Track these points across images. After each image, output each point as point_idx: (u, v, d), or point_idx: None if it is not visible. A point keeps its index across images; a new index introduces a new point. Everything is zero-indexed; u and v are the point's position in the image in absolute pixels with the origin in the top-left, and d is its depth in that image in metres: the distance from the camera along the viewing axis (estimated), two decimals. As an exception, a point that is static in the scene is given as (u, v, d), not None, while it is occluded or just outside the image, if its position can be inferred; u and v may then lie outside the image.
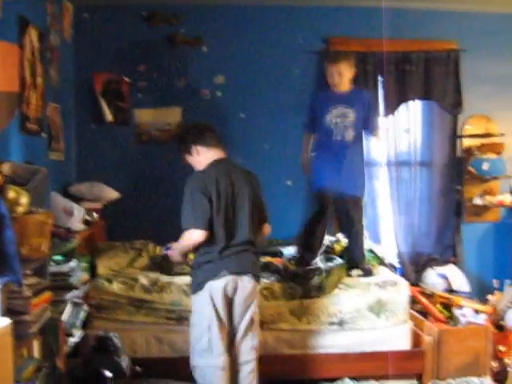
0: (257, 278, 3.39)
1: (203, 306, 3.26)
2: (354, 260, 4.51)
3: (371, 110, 4.53)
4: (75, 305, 3.58)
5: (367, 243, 4.85)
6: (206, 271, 3.27)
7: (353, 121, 4.39)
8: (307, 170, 4.73)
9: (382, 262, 4.86)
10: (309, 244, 4.52)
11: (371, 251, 4.87)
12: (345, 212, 4.53)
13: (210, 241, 3.24)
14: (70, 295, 3.36)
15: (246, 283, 3.29)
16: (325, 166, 4.49)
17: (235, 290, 3.28)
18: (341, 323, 4.03)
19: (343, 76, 4.40)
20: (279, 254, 4.80)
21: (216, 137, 3.50)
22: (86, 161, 5.19)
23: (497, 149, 5.43)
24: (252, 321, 3.37)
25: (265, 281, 4.19)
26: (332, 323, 4.03)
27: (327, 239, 4.89)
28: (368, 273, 4.42)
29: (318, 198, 4.61)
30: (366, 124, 4.48)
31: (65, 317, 3.33)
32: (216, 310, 3.25)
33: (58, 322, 3.15)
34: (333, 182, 4.40)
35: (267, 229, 3.52)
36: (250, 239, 3.33)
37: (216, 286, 3.23)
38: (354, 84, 4.57)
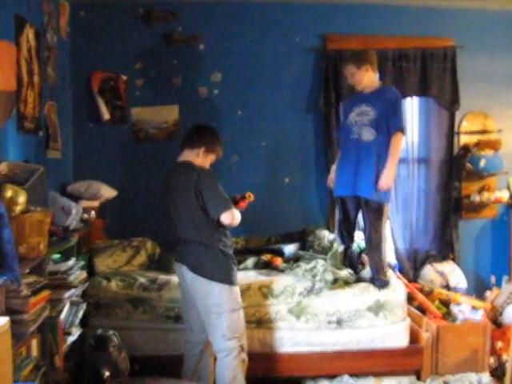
0: (199, 272, 3.45)
1: None
2: (370, 274, 4.25)
3: (394, 107, 4.11)
4: (74, 303, 3.59)
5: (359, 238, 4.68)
6: None
7: (372, 119, 4.11)
8: (330, 182, 4.48)
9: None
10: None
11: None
12: (363, 218, 4.30)
13: None
14: (68, 294, 3.36)
15: (184, 272, 3.54)
16: (343, 166, 4.28)
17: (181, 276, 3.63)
18: (339, 322, 4.03)
19: (354, 75, 4.19)
20: (280, 253, 4.81)
21: (185, 138, 3.69)
22: (84, 159, 5.17)
23: (494, 145, 5.43)
24: (205, 314, 3.50)
25: (263, 278, 4.21)
26: (330, 322, 4.03)
27: (327, 238, 4.91)
28: (382, 287, 4.13)
29: (339, 203, 4.43)
30: (390, 121, 4.09)
31: (63, 315, 3.34)
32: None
33: (57, 321, 3.16)
34: (348, 184, 4.20)
35: (225, 219, 3.43)
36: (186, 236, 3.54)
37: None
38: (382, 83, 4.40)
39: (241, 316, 3.54)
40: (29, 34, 3.79)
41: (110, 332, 3.72)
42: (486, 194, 5.43)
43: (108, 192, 4.72)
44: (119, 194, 4.84)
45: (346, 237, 4.43)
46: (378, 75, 4.33)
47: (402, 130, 4.12)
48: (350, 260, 4.41)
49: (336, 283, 4.11)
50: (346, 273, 4.26)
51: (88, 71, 5.17)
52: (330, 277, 4.12)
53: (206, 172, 3.51)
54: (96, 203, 4.64)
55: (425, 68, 5.37)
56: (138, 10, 5.20)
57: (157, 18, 5.20)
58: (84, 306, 3.74)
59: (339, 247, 4.41)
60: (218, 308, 3.44)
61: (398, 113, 4.13)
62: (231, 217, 3.43)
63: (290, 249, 4.85)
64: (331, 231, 5.08)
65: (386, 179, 4.05)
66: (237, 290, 3.54)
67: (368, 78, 4.22)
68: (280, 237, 5.19)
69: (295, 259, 4.69)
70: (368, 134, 4.12)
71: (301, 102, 5.39)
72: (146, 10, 5.20)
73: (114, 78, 5.21)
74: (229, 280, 3.47)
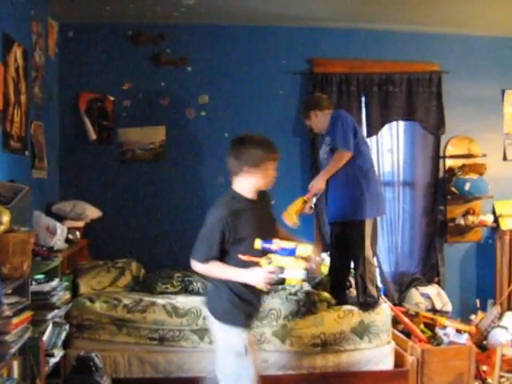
0: (206, 305, 3.14)
1: None
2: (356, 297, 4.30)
3: (332, 126, 4.20)
4: (56, 324, 3.54)
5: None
6: None
7: (328, 149, 4.27)
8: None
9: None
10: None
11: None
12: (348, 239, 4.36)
13: None
14: (51, 315, 3.32)
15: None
16: (328, 196, 4.41)
17: None
18: (324, 345, 4.02)
19: (314, 125, 4.44)
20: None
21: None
22: (70, 179, 5.16)
23: (479, 169, 5.48)
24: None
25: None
26: (315, 345, 4.02)
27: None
28: (369, 307, 4.13)
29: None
30: (333, 142, 4.20)
31: (46, 337, 3.30)
32: None
33: (39, 342, 3.11)
34: (330, 211, 4.40)
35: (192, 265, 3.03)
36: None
37: None
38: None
39: (242, 364, 3.00)
40: (17, 53, 3.79)
41: (93, 354, 3.68)
42: (470, 218, 5.47)
43: (93, 212, 4.71)
44: (105, 215, 4.82)
45: (337, 259, 4.44)
46: (330, 111, 4.34)
47: (343, 147, 4.14)
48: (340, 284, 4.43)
49: (322, 303, 4.10)
50: (328, 295, 4.24)
51: (75, 91, 5.18)
52: (315, 298, 4.11)
53: (216, 206, 3.02)
54: (81, 223, 4.62)
55: (410, 92, 5.43)
56: (126, 32, 5.23)
57: (145, 40, 5.23)
58: (67, 327, 3.70)
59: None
60: (216, 345, 3.14)
61: (336, 131, 4.17)
62: (193, 265, 3.02)
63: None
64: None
65: (315, 184, 4.19)
66: (238, 333, 3.02)
67: (320, 122, 4.35)
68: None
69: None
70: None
71: (288, 124, 5.42)
72: (134, 32, 5.23)
73: (101, 99, 5.22)
74: (227, 319, 3.03)
